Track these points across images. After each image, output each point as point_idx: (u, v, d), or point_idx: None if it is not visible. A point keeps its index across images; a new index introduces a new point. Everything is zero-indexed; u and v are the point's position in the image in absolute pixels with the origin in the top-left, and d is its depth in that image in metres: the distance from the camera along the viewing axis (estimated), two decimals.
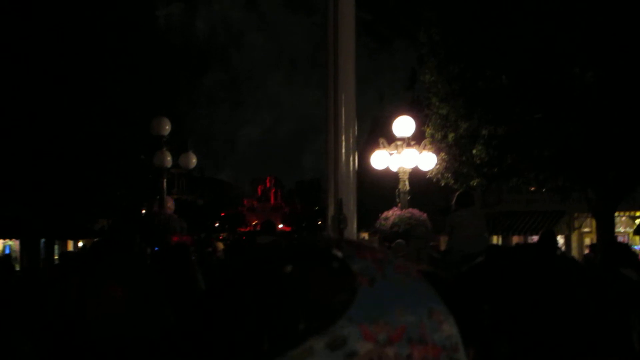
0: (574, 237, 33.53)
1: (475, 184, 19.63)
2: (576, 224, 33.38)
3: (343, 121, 5.08)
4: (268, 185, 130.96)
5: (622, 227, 30.77)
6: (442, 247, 25.78)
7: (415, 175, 16.47)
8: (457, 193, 10.42)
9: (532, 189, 25.67)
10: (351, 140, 5.09)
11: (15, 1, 20.98)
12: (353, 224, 5.04)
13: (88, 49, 21.98)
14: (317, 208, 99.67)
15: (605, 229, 19.36)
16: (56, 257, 28.93)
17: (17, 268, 27.57)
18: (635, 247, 28.66)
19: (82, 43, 21.84)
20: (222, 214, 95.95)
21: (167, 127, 16.73)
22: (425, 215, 15.04)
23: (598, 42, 16.86)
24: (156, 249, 10.12)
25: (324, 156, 5.29)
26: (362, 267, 0.89)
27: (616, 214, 20.95)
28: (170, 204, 17.36)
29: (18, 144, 21.15)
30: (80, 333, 4.49)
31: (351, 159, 5.07)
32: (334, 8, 5.16)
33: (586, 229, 33.26)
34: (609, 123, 16.97)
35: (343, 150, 5.03)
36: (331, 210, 4.98)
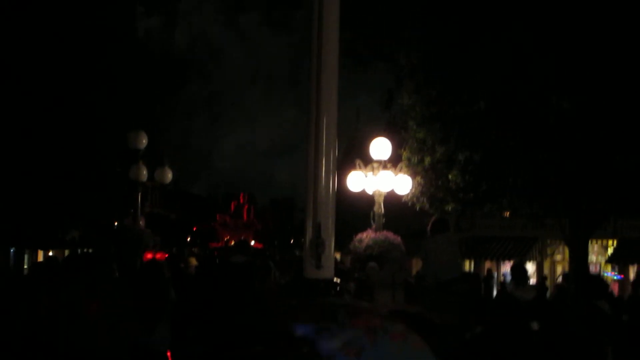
0: (546, 264, 33.70)
1: (450, 208, 19.65)
2: (548, 251, 33.56)
3: (324, 143, 5.04)
4: (241, 201, 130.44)
5: (595, 255, 30.96)
6: (414, 269, 25.80)
7: (389, 198, 16.47)
8: (433, 219, 10.42)
9: (506, 214, 25.77)
10: (331, 163, 5.06)
11: None
12: (331, 248, 5.02)
13: (65, 58, 21.78)
14: (289, 227, 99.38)
15: (578, 257, 19.44)
16: (26, 267, 28.58)
17: None
18: (607, 273, 28.89)
19: (59, 52, 21.64)
20: (195, 229, 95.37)
21: (144, 141, 16.68)
22: (399, 238, 15.02)
23: (574, 72, 16.98)
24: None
25: (303, 178, 5.24)
26: (352, 338, 0.85)
27: (589, 241, 21.08)
28: (141, 221, 17.22)
29: None
30: (51, 348, 4.41)
31: (331, 181, 5.04)
32: (317, 28, 5.14)
33: (558, 257, 33.45)
34: (583, 153, 17.07)
35: (323, 173, 4.99)
36: (309, 234, 4.94)
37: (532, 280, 25.36)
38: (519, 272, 8.22)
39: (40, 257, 33.03)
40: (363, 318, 0.82)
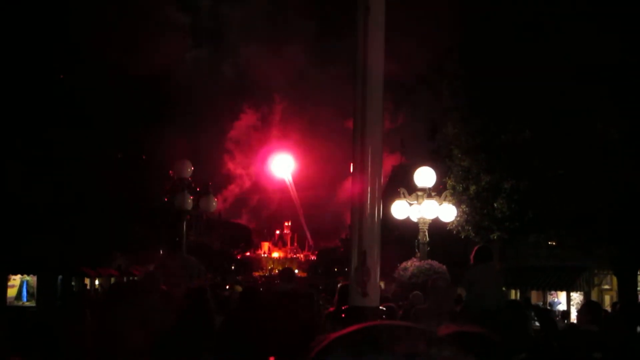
0: (594, 294, 33.07)
1: (495, 237, 19.52)
2: (596, 281, 32.97)
3: (369, 172, 5.08)
4: (285, 229, 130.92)
5: None
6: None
7: (433, 227, 16.39)
8: (476, 248, 10.32)
9: (552, 243, 25.46)
10: (376, 192, 5.09)
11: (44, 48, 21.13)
12: (376, 276, 5.03)
13: (113, 94, 22.19)
14: (333, 255, 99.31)
15: (628, 287, 19.14)
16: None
17: (33, 304, 27.66)
18: None
19: (109, 88, 22.05)
20: (239, 257, 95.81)
21: (189, 170, 16.83)
22: (444, 267, 14.92)
23: (622, 99, 16.81)
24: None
25: (349, 206, 5.27)
26: None
27: (638, 272, 20.70)
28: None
29: (38, 183, 21.27)
30: None
31: (376, 210, 5.06)
32: (363, 60, 5.20)
33: (606, 286, 32.82)
34: (631, 182, 16.83)
35: (368, 202, 5.02)
36: (354, 262, 4.96)
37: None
38: (595, 310, 8.13)
39: (87, 284, 33.41)
40: (407, 343, 0.81)
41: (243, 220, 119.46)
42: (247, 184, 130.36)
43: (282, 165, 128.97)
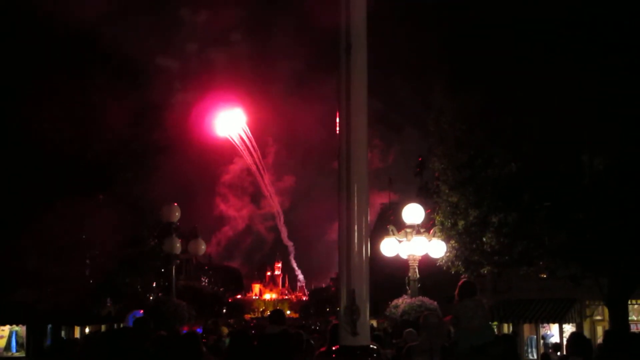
0: (586, 325, 33.05)
1: (485, 271, 19.48)
2: (588, 312, 32.96)
3: (355, 210, 5.10)
4: (276, 270, 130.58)
5: (635, 315, 30.31)
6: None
7: (424, 263, 16.42)
8: (459, 284, 10.33)
9: (543, 276, 25.46)
10: (363, 229, 5.11)
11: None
12: (366, 315, 5.04)
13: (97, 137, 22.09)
14: (324, 294, 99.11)
15: (619, 317, 19.09)
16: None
17: (23, 354, 27.38)
18: None
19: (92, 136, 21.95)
20: (230, 300, 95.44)
21: (177, 214, 16.86)
22: (435, 303, 14.94)
23: (606, 129, 16.88)
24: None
25: (337, 245, 5.28)
26: None
27: (629, 301, 20.67)
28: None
29: (25, 230, 21.11)
30: None
31: (363, 248, 5.08)
32: (346, 99, 5.23)
33: (598, 317, 32.82)
34: (619, 211, 16.86)
35: (355, 240, 5.04)
36: (344, 301, 4.97)
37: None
38: (581, 342, 8.11)
39: (77, 333, 33.07)
40: None
41: (236, 263, 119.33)
42: (241, 226, 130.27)
43: (230, 121, 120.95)
